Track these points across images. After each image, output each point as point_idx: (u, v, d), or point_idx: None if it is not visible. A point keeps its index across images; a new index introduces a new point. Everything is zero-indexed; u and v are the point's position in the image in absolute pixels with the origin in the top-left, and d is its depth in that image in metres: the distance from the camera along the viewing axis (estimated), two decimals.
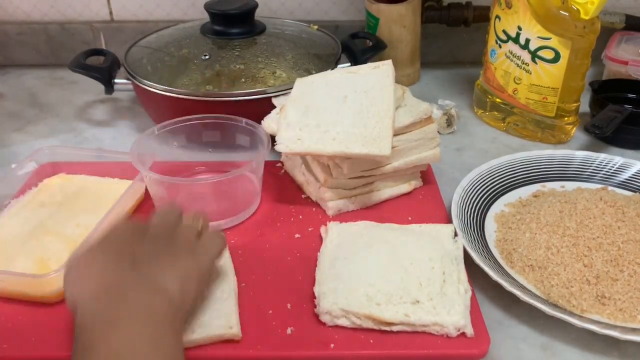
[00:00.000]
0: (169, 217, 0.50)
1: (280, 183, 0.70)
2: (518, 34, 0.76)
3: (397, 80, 0.68)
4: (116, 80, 0.82)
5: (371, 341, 0.49)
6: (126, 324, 0.38)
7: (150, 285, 0.42)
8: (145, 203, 0.65)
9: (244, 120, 0.67)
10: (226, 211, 0.63)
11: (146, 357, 0.37)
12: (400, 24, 0.93)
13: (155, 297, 0.41)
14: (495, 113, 0.85)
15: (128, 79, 0.80)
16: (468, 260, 0.56)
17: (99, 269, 0.42)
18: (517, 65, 0.78)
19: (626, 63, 0.88)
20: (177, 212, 0.50)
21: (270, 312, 0.52)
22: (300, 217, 0.65)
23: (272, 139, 0.63)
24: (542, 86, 0.77)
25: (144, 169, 0.59)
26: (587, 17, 0.70)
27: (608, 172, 0.71)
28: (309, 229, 0.63)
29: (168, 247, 0.46)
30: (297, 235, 0.62)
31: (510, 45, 0.78)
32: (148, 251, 0.45)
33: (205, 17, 0.84)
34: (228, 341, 0.48)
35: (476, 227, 0.63)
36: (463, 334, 0.49)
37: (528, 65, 0.77)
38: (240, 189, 0.65)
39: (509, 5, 0.76)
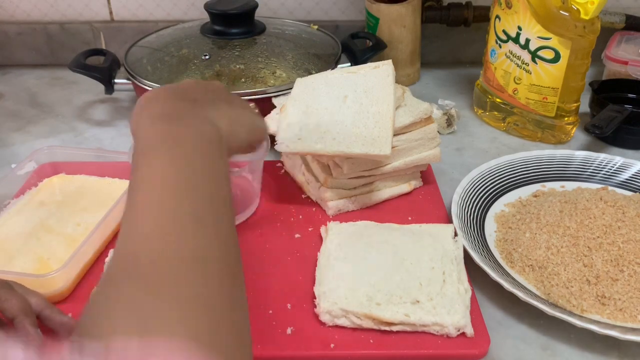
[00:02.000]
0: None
1: (280, 183, 0.70)
2: (518, 34, 0.76)
3: (397, 80, 0.68)
4: (116, 80, 0.82)
5: (371, 341, 0.49)
6: (180, 144, 0.38)
7: (206, 118, 0.42)
8: None
9: None
10: None
11: (198, 168, 0.37)
12: (400, 24, 0.93)
13: (209, 126, 0.42)
14: (495, 113, 0.85)
15: (128, 79, 0.80)
16: (468, 260, 0.56)
17: (161, 101, 0.43)
18: (517, 65, 0.78)
19: (626, 63, 0.88)
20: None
21: (270, 312, 0.52)
22: (300, 217, 0.65)
23: (272, 138, 0.63)
24: (542, 86, 0.77)
25: None
26: (587, 17, 0.70)
27: (608, 172, 0.71)
28: (309, 229, 0.63)
29: (227, 98, 0.48)
30: (297, 235, 0.62)
31: (510, 45, 0.78)
32: (208, 98, 0.46)
33: (205, 17, 0.84)
34: None
35: (476, 227, 0.63)
36: (463, 334, 0.49)
37: (528, 65, 0.77)
38: (238, 190, 0.65)
39: (509, 5, 0.76)
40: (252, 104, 0.53)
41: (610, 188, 0.69)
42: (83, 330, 0.29)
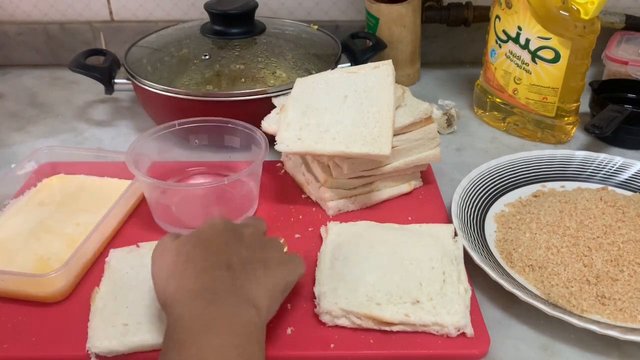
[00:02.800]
0: (261, 225, 0.51)
1: (280, 183, 0.70)
2: (518, 34, 0.76)
3: (397, 80, 0.68)
4: (116, 80, 0.82)
5: (371, 341, 0.49)
6: (218, 330, 0.39)
7: (244, 295, 0.42)
8: (144, 203, 0.65)
9: (241, 122, 0.67)
10: (224, 216, 0.62)
11: None
12: (400, 24, 0.93)
13: (247, 308, 0.41)
14: (495, 113, 0.85)
15: (128, 79, 0.80)
16: (468, 260, 0.56)
17: (196, 269, 0.42)
18: (517, 65, 0.78)
19: (626, 63, 0.88)
20: (264, 222, 0.53)
21: None
22: (300, 217, 0.65)
23: (272, 138, 0.63)
24: (542, 86, 0.77)
25: (138, 172, 0.59)
26: (587, 17, 0.70)
27: (608, 172, 0.71)
28: (309, 229, 0.63)
29: (262, 255, 0.47)
30: (297, 235, 0.62)
31: (510, 45, 0.78)
32: (244, 257, 0.45)
33: (205, 17, 0.84)
34: None
35: (476, 227, 0.62)
36: (463, 334, 0.49)
37: (528, 65, 0.77)
38: (237, 193, 0.65)
39: (509, 5, 0.76)
40: (282, 240, 0.52)
41: (610, 188, 0.69)
42: None
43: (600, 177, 0.71)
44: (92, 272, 0.56)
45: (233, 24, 0.82)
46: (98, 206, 0.62)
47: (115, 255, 0.57)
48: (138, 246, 0.58)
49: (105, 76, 0.81)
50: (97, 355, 0.47)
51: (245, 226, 0.49)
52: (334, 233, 0.59)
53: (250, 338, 0.40)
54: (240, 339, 0.39)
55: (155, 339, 0.48)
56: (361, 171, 0.64)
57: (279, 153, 0.68)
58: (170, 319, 0.40)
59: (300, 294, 0.54)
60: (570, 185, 0.70)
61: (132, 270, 0.55)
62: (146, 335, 0.48)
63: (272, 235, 0.62)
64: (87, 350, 0.47)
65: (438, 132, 0.67)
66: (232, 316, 0.40)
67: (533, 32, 0.75)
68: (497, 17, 0.79)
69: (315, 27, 0.91)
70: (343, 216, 0.64)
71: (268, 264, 0.46)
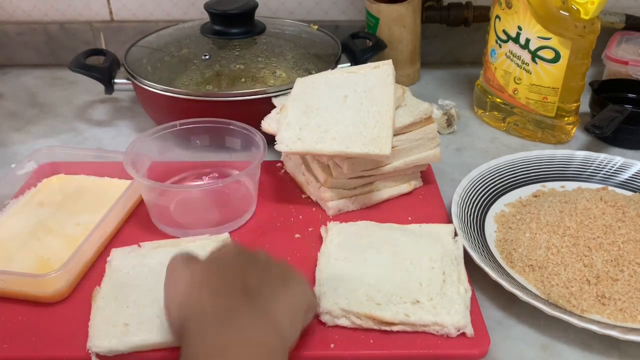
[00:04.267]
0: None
1: (280, 183, 0.70)
2: (518, 34, 0.76)
3: (397, 80, 0.68)
4: (116, 80, 0.82)
5: (371, 341, 0.49)
6: (234, 353, 0.36)
7: (262, 316, 0.40)
8: (144, 203, 0.65)
9: (240, 123, 0.67)
10: (221, 217, 0.62)
11: None
12: (400, 24, 0.93)
13: (267, 330, 0.39)
14: (495, 113, 0.85)
15: (128, 79, 0.80)
16: (468, 260, 0.56)
17: (210, 290, 0.41)
18: (517, 65, 0.78)
19: (626, 63, 0.88)
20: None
21: None
22: (300, 217, 0.65)
23: (272, 138, 0.63)
24: (542, 86, 0.77)
25: (135, 173, 0.58)
26: (587, 17, 0.70)
27: (608, 172, 0.71)
28: (309, 229, 0.63)
29: (280, 276, 0.45)
30: (297, 235, 0.62)
31: (511, 45, 0.78)
32: (260, 279, 0.43)
33: (205, 17, 0.84)
34: None
35: (476, 227, 0.62)
36: (463, 334, 0.49)
37: (528, 65, 0.77)
38: (234, 195, 0.65)
39: (509, 5, 0.76)
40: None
41: (610, 188, 0.69)
42: None
43: (601, 177, 0.71)
44: (92, 272, 0.56)
45: (233, 24, 0.82)
46: (98, 206, 0.62)
47: (117, 255, 0.57)
48: (140, 246, 0.58)
49: (105, 76, 0.81)
50: (97, 355, 0.47)
51: (258, 251, 0.47)
52: (334, 233, 0.59)
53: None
54: None
55: (156, 338, 0.48)
56: (361, 171, 0.64)
57: (279, 153, 0.68)
58: (184, 348, 0.38)
59: None
60: (570, 185, 0.70)
61: (134, 269, 0.55)
62: (147, 334, 0.48)
63: (272, 235, 0.62)
64: (88, 350, 0.47)
65: (438, 132, 0.67)
66: (249, 338, 0.37)
67: (533, 32, 0.75)
68: (497, 17, 0.79)
69: (315, 27, 0.91)
70: (343, 216, 0.64)
71: (287, 282, 0.44)
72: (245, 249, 0.47)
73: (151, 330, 0.48)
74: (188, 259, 0.46)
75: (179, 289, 0.43)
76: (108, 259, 0.56)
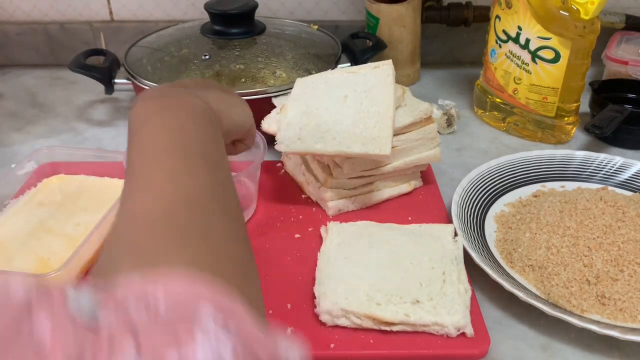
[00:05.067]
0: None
1: (280, 183, 0.70)
2: (518, 34, 0.76)
3: (397, 80, 0.68)
4: (116, 80, 0.82)
5: (371, 341, 0.49)
6: (175, 107, 0.39)
7: (195, 95, 0.43)
8: None
9: None
10: None
11: (189, 130, 0.38)
12: (400, 24, 0.93)
13: (197, 100, 0.42)
14: (495, 113, 0.85)
15: (128, 79, 0.80)
16: (468, 260, 0.56)
17: (153, 90, 0.45)
18: (517, 65, 0.78)
19: (626, 63, 0.88)
20: None
21: (270, 312, 0.52)
22: (300, 217, 0.65)
23: (272, 138, 0.63)
24: (542, 86, 0.77)
25: None
26: (587, 17, 0.70)
27: (608, 172, 0.71)
28: (309, 229, 0.63)
29: (220, 88, 0.49)
30: (297, 235, 0.62)
31: (510, 45, 0.78)
32: (200, 84, 0.47)
33: (205, 17, 0.84)
34: None
35: (476, 227, 0.62)
36: (463, 334, 0.49)
37: (528, 65, 0.77)
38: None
39: (509, 5, 0.76)
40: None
41: (610, 188, 0.69)
42: (95, 273, 0.30)
43: (600, 177, 0.71)
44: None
45: (233, 24, 0.82)
46: (98, 206, 0.62)
47: None
48: None
49: (105, 76, 0.81)
50: None
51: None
52: (334, 233, 0.59)
53: (206, 120, 0.40)
54: (195, 118, 0.39)
55: None
56: (361, 171, 0.64)
57: (279, 153, 0.68)
58: (129, 127, 0.41)
59: (300, 294, 0.54)
60: (570, 185, 0.70)
61: None
62: None
63: (272, 235, 0.62)
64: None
65: (438, 132, 0.67)
66: (185, 103, 0.40)
67: (533, 32, 0.75)
68: (497, 17, 0.79)
69: (315, 27, 0.91)
70: (343, 216, 0.64)
71: (226, 92, 0.48)
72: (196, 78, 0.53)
73: None
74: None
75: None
76: None
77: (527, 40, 0.76)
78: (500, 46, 0.80)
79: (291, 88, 0.68)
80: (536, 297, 0.53)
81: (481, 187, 0.68)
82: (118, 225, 0.32)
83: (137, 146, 0.37)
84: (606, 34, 0.92)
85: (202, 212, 0.32)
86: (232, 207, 0.36)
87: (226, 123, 0.45)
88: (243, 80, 0.76)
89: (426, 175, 0.71)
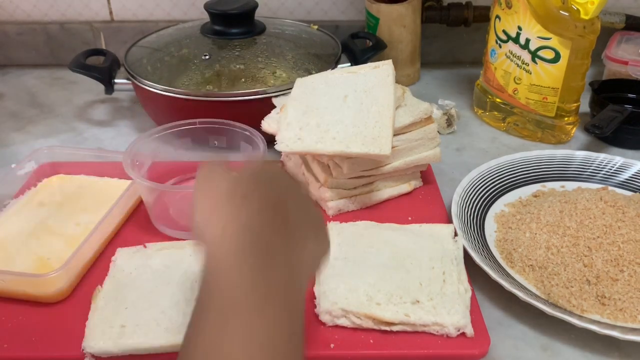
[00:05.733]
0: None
1: None
2: (518, 34, 0.76)
3: (397, 80, 0.68)
4: (116, 80, 0.82)
5: (371, 341, 0.49)
6: (271, 304, 0.31)
7: (296, 262, 0.34)
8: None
9: (239, 124, 0.67)
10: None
11: (281, 349, 0.30)
12: (400, 24, 0.93)
13: (299, 279, 0.34)
14: (495, 113, 0.85)
15: (128, 79, 0.80)
16: (468, 260, 0.56)
17: (252, 209, 0.34)
18: (517, 65, 0.78)
19: (626, 63, 0.88)
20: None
21: None
22: None
23: (272, 138, 0.63)
24: (542, 86, 0.77)
25: (134, 174, 0.59)
26: (587, 17, 0.70)
27: (608, 172, 0.71)
28: None
29: (314, 220, 0.39)
30: None
31: (510, 45, 0.78)
32: (300, 216, 0.36)
33: (205, 17, 0.84)
34: None
35: (476, 227, 0.62)
36: (463, 334, 0.49)
37: (528, 65, 0.77)
38: None
39: (509, 5, 0.76)
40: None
41: (610, 188, 0.69)
42: None
43: (600, 177, 0.71)
44: (92, 272, 0.56)
45: (233, 24, 0.82)
46: (98, 206, 0.62)
47: (122, 254, 0.57)
48: (145, 246, 0.58)
49: (105, 76, 0.81)
50: (92, 355, 0.47)
51: (297, 180, 0.41)
52: (334, 233, 0.59)
53: (301, 317, 0.33)
54: (292, 320, 0.31)
55: (150, 342, 0.47)
56: (361, 171, 0.64)
57: (279, 153, 0.68)
58: (207, 275, 0.32)
59: None
60: (570, 185, 0.70)
61: (136, 270, 0.55)
62: (141, 338, 0.48)
63: None
64: (82, 350, 0.47)
65: (438, 132, 0.67)
66: (287, 288, 0.32)
67: (533, 32, 0.75)
68: (497, 17, 0.79)
69: (315, 27, 0.91)
70: (343, 216, 0.64)
71: (318, 231, 0.38)
72: (291, 176, 0.41)
73: (146, 334, 0.48)
74: (226, 163, 0.39)
75: (218, 194, 0.36)
76: (113, 258, 0.56)
77: (527, 40, 0.76)
78: (500, 46, 0.80)
79: (291, 88, 0.68)
80: (536, 297, 0.53)
81: (481, 187, 0.68)
82: None
83: (225, 340, 0.29)
84: (606, 34, 0.92)
85: None
86: None
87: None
88: (243, 80, 0.76)
89: (426, 175, 0.71)
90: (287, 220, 0.35)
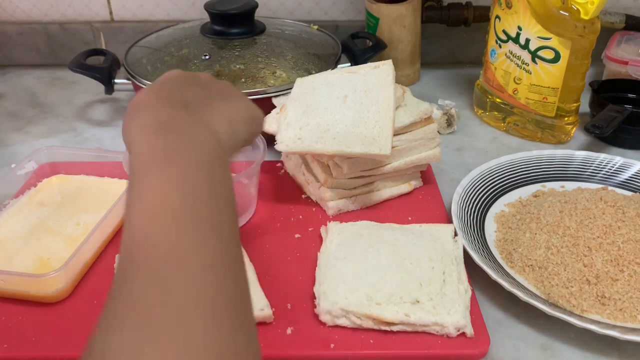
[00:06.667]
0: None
1: (280, 183, 0.70)
2: (518, 34, 0.76)
3: (397, 80, 0.68)
4: (116, 80, 0.82)
5: (371, 341, 0.49)
6: (180, 155, 0.37)
7: (202, 124, 0.41)
8: None
9: None
10: None
11: (198, 188, 0.36)
12: (400, 24, 0.93)
13: (207, 136, 0.40)
14: (495, 113, 0.85)
15: (128, 79, 0.80)
16: (468, 260, 0.56)
17: (153, 107, 0.41)
18: (517, 65, 0.78)
19: (626, 63, 0.88)
20: None
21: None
22: (300, 217, 0.65)
23: (272, 138, 0.63)
24: (542, 86, 0.77)
25: None
26: (587, 17, 0.71)
27: (608, 172, 0.71)
28: (309, 229, 0.63)
29: (219, 92, 0.46)
30: (297, 235, 0.62)
31: (510, 45, 0.78)
32: (200, 95, 0.44)
33: (205, 17, 0.84)
34: None
35: (476, 227, 0.62)
36: (463, 334, 0.49)
37: (528, 65, 0.77)
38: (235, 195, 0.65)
39: (509, 5, 0.76)
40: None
41: (610, 188, 0.69)
42: None
43: (600, 177, 0.71)
44: (92, 272, 0.56)
45: (233, 24, 0.82)
46: (98, 206, 0.62)
47: None
48: None
49: (105, 76, 0.81)
50: None
51: (200, 72, 0.49)
52: (334, 233, 0.59)
53: (214, 164, 0.38)
54: (205, 162, 0.37)
55: None
56: (361, 171, 0.64)
57: (279, 153, 0.68)
58: (131, 158, 0.38)
59: (300, 294, 0.54)
60: (570, 185, 0.70)
61: None
62: None
63: (272, 235, 0.62)
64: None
65: (438, 132, 0.67)
66: (193, 142, 0.38)
67: (533, 32, 0.75)
68: (497, 17, 0.79)
69: (315, 27, 0.91)
70: (343, 216, 0.64)
71: (227, 98, 0.45)
72: (189, 72, 0.48)
73: None
74: None
75: (130, 108, 0.43)
76: (115, 265, 0.56)
77: (527, 40, 0.76)
78: (500, 46, 0.80)
79: (291, 88, 0.68)
80: (536, 297, 0.53)
81: (481, 187, 0.68)
82: (116, 294, 0.30)
83: (138, 203, 0.34)
84: (606, 34, 0.92)
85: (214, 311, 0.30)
86: (245, 296, 0.34)
87: (236, 145, 0.44)
88: (243, 80, 0.76)
89: (426, 175, 0.71)
90: (186, 100, 0.42)
